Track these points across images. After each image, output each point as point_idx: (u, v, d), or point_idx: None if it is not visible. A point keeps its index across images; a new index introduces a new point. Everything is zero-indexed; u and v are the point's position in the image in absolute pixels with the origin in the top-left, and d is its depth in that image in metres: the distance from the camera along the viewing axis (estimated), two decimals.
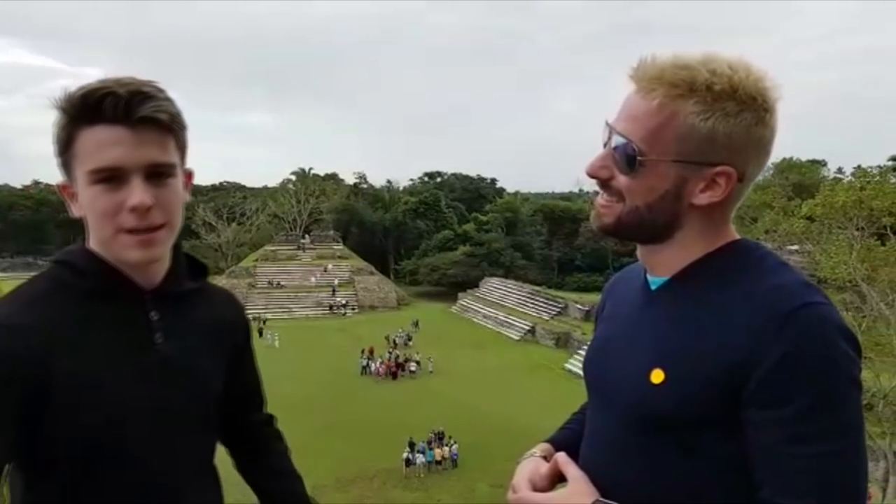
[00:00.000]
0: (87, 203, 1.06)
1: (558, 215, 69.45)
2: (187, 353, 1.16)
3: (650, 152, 0.96)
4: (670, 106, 0.94)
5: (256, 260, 57.16)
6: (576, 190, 74.35)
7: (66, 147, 1.05)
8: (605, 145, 1.03)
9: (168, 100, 1.07)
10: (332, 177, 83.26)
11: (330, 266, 56.28)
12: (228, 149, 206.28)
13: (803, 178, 43.99)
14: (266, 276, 53.89)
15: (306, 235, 63.39)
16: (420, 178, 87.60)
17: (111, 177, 1.03)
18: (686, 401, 0.95)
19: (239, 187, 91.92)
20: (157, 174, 1.06)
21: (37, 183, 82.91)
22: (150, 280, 1.14)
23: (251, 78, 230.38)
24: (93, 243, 1.12)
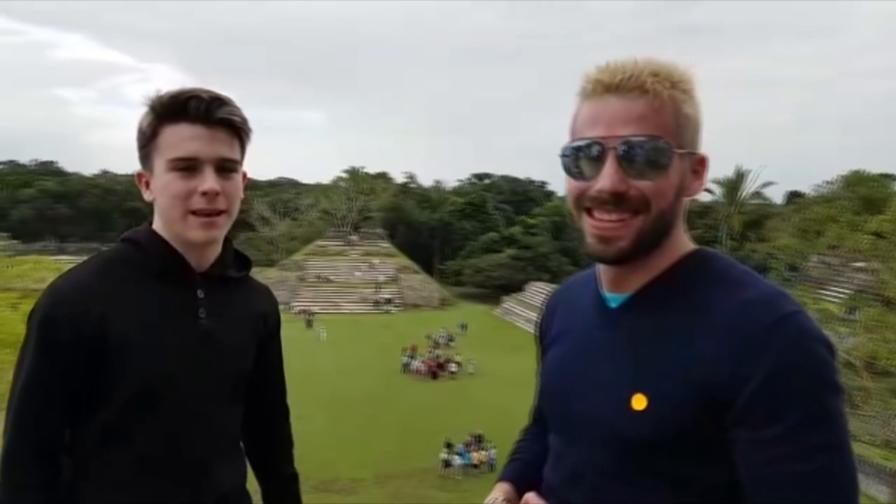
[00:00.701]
0: (162, 187, 1.24)
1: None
2: (225, 331, 1.32)
3: (676, 146, 0.95)
4: (669, 97, 0.94)
5: (307, 254, 58.20)
6: None
7: (150, 139, 1.24)
8: (598, 164, 0.95)
9: (238, 108, 1.28)
10: (382, 175, 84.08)
11: (376, 262, 56.86)
12: (285, 145, 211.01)
13: (872, 192, 41.94)
14: (315, 270, 54.80)
15: (355, 232, 64.20)
16: (468, 178, 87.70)
17: (188, 166, 1.22)
18: (671, 426, 0.91)
19: (293, 183, 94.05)
20: (225, 168, 1.25)
21: (105, 172, 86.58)
22: (201, 263, 1.31)
23: (305, 75, 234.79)
24: (158, 225, 1.30)
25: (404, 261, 58.35)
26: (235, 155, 1.28)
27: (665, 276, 1.00)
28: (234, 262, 1.41)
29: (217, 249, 1.35)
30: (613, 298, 1.04)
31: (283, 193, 78.52)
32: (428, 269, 62.01)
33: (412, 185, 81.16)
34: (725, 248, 52.77)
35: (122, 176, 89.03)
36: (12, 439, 1.21)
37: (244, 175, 1.33)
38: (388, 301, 50.90)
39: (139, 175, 1.30)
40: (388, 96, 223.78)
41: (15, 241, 51.21)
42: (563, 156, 1.00)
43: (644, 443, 0.93)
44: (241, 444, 1.47)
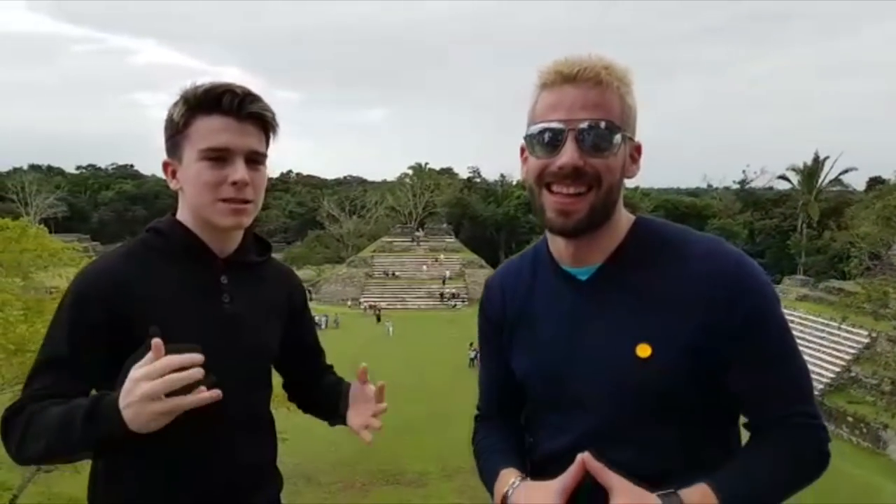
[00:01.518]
0: (192, 175, 1.28)
1: (683, 211, 66.15)
2: (249, 315, 1.36)
3: (623, 128, 1.10)
4: (618, 89, 1.09)
5: (374, 251, 59.08)
6: (703, 185, 70.30)
7: (181, 129, 1.27)
8: (558, 143, 1.09)
9: (268, 104, 1.32)
10: (447, 171, 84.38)
11: (441, 257, 57.22)
12: (352, 144, 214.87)
13: None
14: (382, 266, 55.61)
15: (420, 228, 64.75)
16: None
17: (219, 156, 1.26)
18: (677, 365, 1.06)
19: (360, 181, 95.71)
20: (253, 160, 1.30)
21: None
22: (223, 250, 1.36)
23: (370, 74, 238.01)
24: (182, 215, 1.35)
25: (469, 256, 58.40)
26: (263, 148, 1.32)
27: (627, 242, 1.15)
28: (255, 246, 1.45)
29: (239, 236, 1.39)
30: (579, 272, 1.17)
31: (351, 191, 79.93)
32: (494, 263, 61.69)
33: (477, 180, 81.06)
34: (803, 237, 50.41)
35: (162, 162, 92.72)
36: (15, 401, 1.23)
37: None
38: (454, 296, 51.09)
39: (166, 164, 1.33)
40: (454, 92, 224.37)
41: (95, 243, 54.00)
42: (528, 136, 1.14)
43: (653, 386, 1.07)
44: (271, 425, 1.50)
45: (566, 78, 1.08)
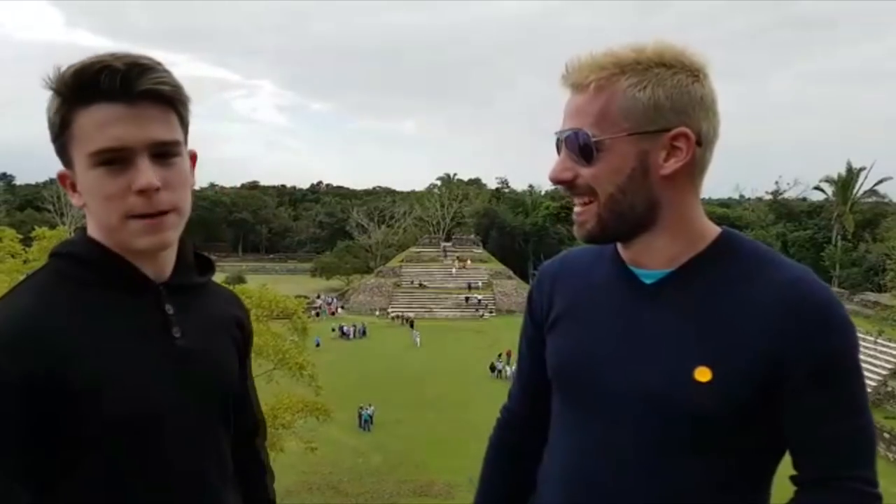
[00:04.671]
0: (88, 188, 0.99)
1: (714, 222, 64.87)
2: (205, 348, 1.11)
3: (602, 134, 0.99)
4: (607, 87, 0.98)
5: (402, 261, 59.34)
6: (736, 196, 69.11)
7: (61, 130, 0.98)
8: (559, 153, 1.05)
9: (167, 72, 0.99)
10: (475, 181, 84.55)
11: (468, 261, 57.32)
12: (381, 154, 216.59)
13: None
14: (410, 276, 55.81)
15: (448, 239, 64.95)
16: None
17: (114, 158, 0.95)
18: (736, 396, 0.97)
19: (389, 191, 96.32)
20: (163, 154, 0.99)
21: (212, 185, 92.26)
22: (159, 272, 1.06)
23: (399, 85, 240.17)
24: (95, 232, 1.04)
25: (497, 266, 58.27)
26: (174, 134, 1.00)
27: (706, 253, 1.05)
28: (195, 264, 1.16)
29: (173, 254, 1.09)
30: (648, 274, 1.07)
31: (379, 201, 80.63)
32: (522, 274, 61.58)
33: (505, 191, 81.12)
34: (837, 249, 49.22)
35: (228, 188, 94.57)
36: None
37: (193, 157, 1.08)
38: (480, 302, 51.03)
39: (62, 176, 1.02)
40: (484, 101, 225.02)
41: None
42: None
43: (705, 414, 0.98)
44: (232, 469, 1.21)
45: (564, 83, 1.04)
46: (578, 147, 1.01)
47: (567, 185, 1.04)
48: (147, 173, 0.96)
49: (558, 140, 1.04)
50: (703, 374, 0.98)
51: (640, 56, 0.99)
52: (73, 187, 1.02)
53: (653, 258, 1.06)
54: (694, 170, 1.02)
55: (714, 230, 1.08)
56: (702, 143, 1.01)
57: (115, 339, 0.99)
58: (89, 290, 1.01)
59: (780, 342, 0.96)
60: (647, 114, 0.98)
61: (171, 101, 1.00)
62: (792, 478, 1.02)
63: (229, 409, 1.17)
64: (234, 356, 1.20)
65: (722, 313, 1.00)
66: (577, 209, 1.06)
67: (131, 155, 0.96)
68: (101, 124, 0.95)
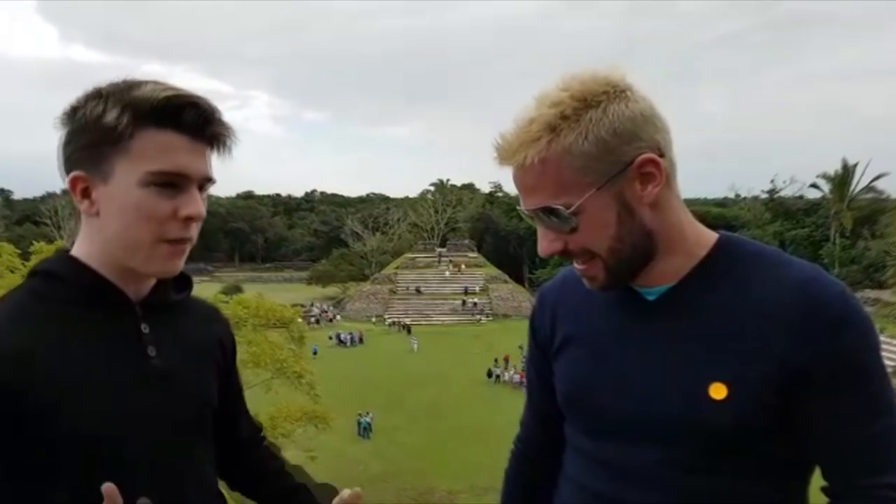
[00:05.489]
0: (128, 203, 0.98)
1: (710, 222, 64.71)
2: (180, 366, 1.09)
3: (573, 199, 0.94)
4: (550, 156, 0.93)
5: (397, 267, 59.38)
6: (731, 195, 69.17)
7: (115, 140, 0.97)
8: (537, 228, 1.01)
9: (230, 126, 1.06)
10: (469, 186, 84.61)
11: (463, 266, 57.39)
12: (374, 161, 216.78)
13: None
14: (406, 282, 55.81)
15: (443, 244, 65.02)
16: None
17: (171, 182, 0.99)
18: (754, 410, 0.94)
19: (383, 198, 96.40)
20: (204, 189, 1.05)
21: (208, 196, 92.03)
22: (138, 291, 1.06)
23: (391, 92, 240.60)
24: (85, 248, 1.03)
25: (493, 271, 58.34)
26: (213, 174, 1.06)
27: (703, 265, 1.01)
28: (174, 281, 1.14)
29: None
30: (649, 291, 1.03)
31: (374, 208, 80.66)
32: (517, 278, 61.66)
33: (499, 195, 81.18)
34: (836, 247, 49.40)
35: (223, 199, 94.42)
36: None
37: None
38: (476, 305, 51.09)
39: (78, 178, 0.99)
40: (475, 106, 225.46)
41: None
42: None
43: (724, 431, 0.94)
44: (218, 488, 1.22)
45: (500, 160, 0.99)
46: (557, 221, 0.97)
47: (562, 254, 1.01)
48: (199, 203, 1.01)
49: (532, 218, 1.00)
50: (718, 391, 0.94)
51: (564, 110, 0.93)
52: (86, 193, 1.00)
53: (654, 277, 1.02)
54: (669, 183, 0.98)
55: (710, 236, 1.04)
56: (664, 155, 0.96)
57: (81, 358, 0.97)
58: (63, 308, 1.00)
59: (797, 346, 0.92)
60: (603, 160, 0.93)
61: (224, 148, 1.06)
62: (823, 489, 0.98)
63: (207, 428, 1.15)
64: (214, 374, 1.18)
65: (731, 322, 0.96)
66: (579, 266, 1.02)
67: (187, 183, 1.00)
68: (167, 149, 0.98)
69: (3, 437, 0.90)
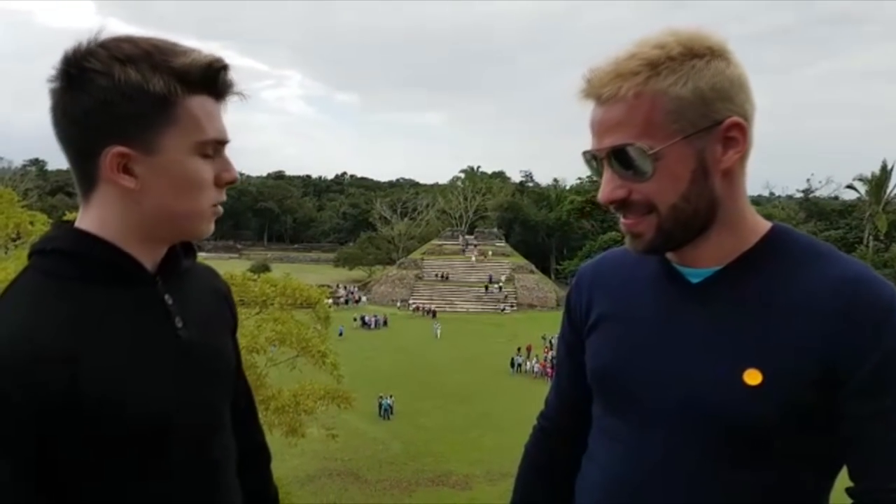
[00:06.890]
0: (183, 173, 0.94)
1: None
2: (206, 336, 1.06)
3: (655, 143, 0.92)
4: (646, 91, 0.91)
5: (424, 253, 59.52)
6: (765, 193, 67.86)
7: (161, 110, 0.91)
8: (597, 173, 0.98)
9: None
10: (499, 175, 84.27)
11: (490, 253, 57.37)
12: (405, 147, 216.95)
13: None
14: (432, 268, 55.94)
15: (471, 232, 64.98)
16: (588, 176, 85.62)
17: (214, 150, 0.97)
18: (788, 400, 0.92)
19: (412, 184, 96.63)
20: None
21: (239, 174, 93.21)
22: (153, 261, 1.01)
23: (424, 78, 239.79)
24: (106, 223, 0.96)
25: (520, 260, 58.14)
26: None
27: (756, 249, 0.99)
28: (181, 247, 1.10)
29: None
30: (695, 273, 1.02)
31: (403, 193, 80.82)
32: (544, 268, 61.40)
33: (529, 184, 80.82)
34: (869, 250, 48.17)
35: (254, 178, 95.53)
36: None
37: None
38: (500, 290, 51.04)
39: (122, 154, 0.91)
40: (508, 96, 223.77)
41: None
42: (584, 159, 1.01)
43: (757, 419, 0.93)
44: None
45: (588, 94, 0.96)
46: (632, 163, 0.94)
47: (620, 203, 0.97)
48: (233, 167, 1.01)
49: (593, 158, 0.98)
50: (752, 377, 0.93)
51: (669, 51, 0.91)
52: (126, 169, 0.92)
53: (701, 256, 1.00)
54: (744, 158, 0.97)
55: (764, 224, 1.02)
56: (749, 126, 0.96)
57: (121, 341, 0.93)
58: (83, 289, 0.93)
59: (837, 343, 0.90)
60: (696, 110, 0.92)
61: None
62: (848, 490, 0.96)
63: (231, 397, 1.15)
64: (230, 340, 1.17)
65: (773, 312, 0.95)
66: (627, 220, 0.99)
67: (221, 150, 0.99)
68: (209, 116, 0.96)
69: (66, 441, 0.86)
